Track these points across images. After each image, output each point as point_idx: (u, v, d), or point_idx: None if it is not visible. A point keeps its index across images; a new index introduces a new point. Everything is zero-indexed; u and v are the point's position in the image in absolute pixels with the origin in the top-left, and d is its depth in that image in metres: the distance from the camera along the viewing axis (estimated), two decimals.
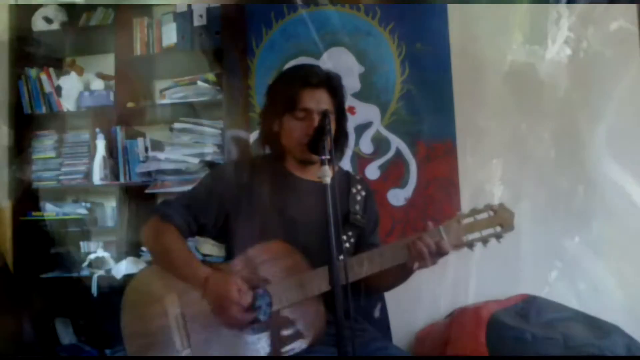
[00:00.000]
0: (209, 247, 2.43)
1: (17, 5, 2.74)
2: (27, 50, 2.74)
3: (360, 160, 2.58)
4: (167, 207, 1.44)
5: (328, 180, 1.15)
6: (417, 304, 2.39)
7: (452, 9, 2.53)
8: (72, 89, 2.71)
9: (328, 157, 1.19)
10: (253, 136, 2.66)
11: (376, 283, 1.42)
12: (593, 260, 2.30)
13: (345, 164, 2.55)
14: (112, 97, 2.67)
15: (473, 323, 2.12)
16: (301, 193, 1.45)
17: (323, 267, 1.26)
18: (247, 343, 1.29)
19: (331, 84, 1.44)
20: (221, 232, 1.46)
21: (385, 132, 2.57)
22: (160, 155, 2.56)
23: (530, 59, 2.42)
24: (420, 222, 2.50)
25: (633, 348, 1.98)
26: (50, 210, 2.69)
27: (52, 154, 2.74)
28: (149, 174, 2.61)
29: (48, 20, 2.75)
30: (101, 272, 2.50)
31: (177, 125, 2.59)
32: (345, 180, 1.54)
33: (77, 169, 2.71)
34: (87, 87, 2.75)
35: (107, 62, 2.79)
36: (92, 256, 2.59)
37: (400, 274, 1.34)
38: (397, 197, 2.54)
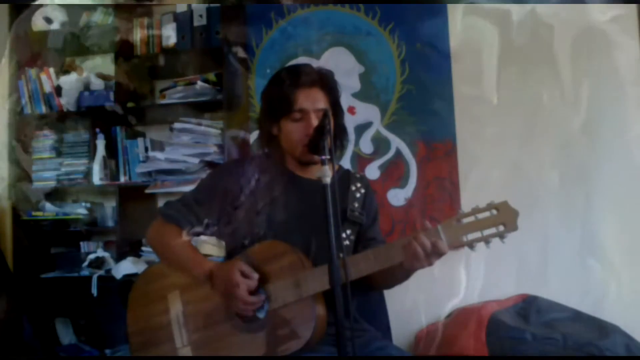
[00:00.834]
0: (209, 247, 2.43)
1: (17, 5, 2.74)
2: (27, 50, 2.74)
3: (360, 160, 2.58)
4: (170, 209, 1.46)
5: (328, 180, 1.14)
6: (417, 304, 2.39)
7: (452, 9, 2.53)
8: (72, 89, 2.71)
9: (328, 156, 1.19)
10: (253, 136, 2.66)
11: (376, 281, 1.42)
12: (593, 259, 2.30)
13: (345, 164, 2.55)
14: (112, 97, 2.67)
15: (473, 323, 2.12)
16: (301, 192, 1.45)
17: (321, 267, 1.26)
18: (244, 342, 1.29)
19: (324, 81, 1.44)
20: (223, 230, 1.47)
21: (385, 132, 2.57)
22: (160, 155, 2.56)
23: (531, 57, 2.42)
24: (420, 222, 2.49)
25: (633, 348, 1.98)
26: (50, 210, 2.69)
27: (52, 154, 2.74)
28: (149, 174, 2.61)
29: (48, 20, 2.75)
30: (101, 272, 2.51)
31: (177, 125, 2.58)
32: (344, 178, 1.54)
33: (77, 169, 2.71)
34: (87, 87, 2.75)
35: (107, 62, 2.79)
36: (92, 256, 2.59)
37: (399, 273, 1.34)
38: (397, 197, 2.54)
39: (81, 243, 2.77)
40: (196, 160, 2.50)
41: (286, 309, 1.28)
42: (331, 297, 1.11)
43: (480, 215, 1.22)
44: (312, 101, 1.40)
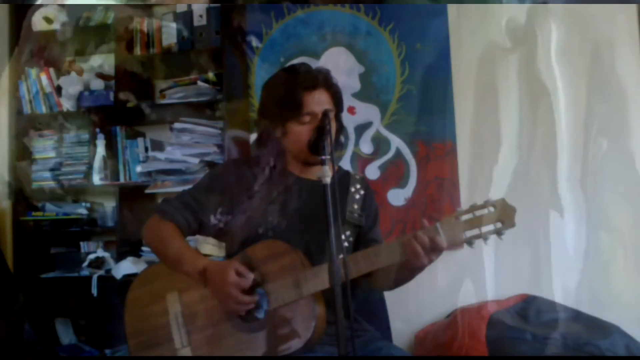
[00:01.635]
0: (209, 247, 2.43)
1: (17, 5, 2.75)
2: (27, 50, 2.74)
3: (360, 160, 2.58)
4: (167, 205, 1.46)
5: (328, 180, 1.15)
6: (417, 304, 2.39)
7: (452, 9, 2.53)
8: (72, 89, 2.71)
9: (328, 156, 1.19)
10: (253, 136, 2.65)
11: (379, 282, 1.42)
12: (593, 259, 2.30)
13: (345, 164, 2.55)
14: (112, 97, 2.67)
15: (473, 323, 2.12)
16: (301, 192, 1.45)
17: (321, 266, 1.26)
18: (244, 342, 1.29)
19: (327, 82, 1.44)
20: (221, 230, 1.46)
21: (385, 132, 2.57)
22: (160, 155, 2.56)
23: (531, 57, 2.42)
24: (420, 222, 2.49)
25: (633, 348, 1.98)
26: (50, 210, 2.69)
27: (52, 154, 2.74)
28: (149, 174, 2.61)
29: (48, 20, 2.75)
30: (101, 272, 2.50)
31: (177, 125, 2.58)
32: (344, 179, 1.54)
33: (77, 169, 2.71)
34: (87, 87, 2.75)
35: (107, 62, 2.79)
36: (92, 256, 2.59)
37: (402, 273, 1.34)
38: (397, 197, 2.54)
39: (81, 243, 2.76)
40: (196, 160, 2.51)
41: (286, 309, 1.28)
42: (331, 297, 1.11)
43: (478, 213, 1.23)
44: (320, 103, 1.40)
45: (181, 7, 2.65)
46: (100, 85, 2.75)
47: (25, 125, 2.75)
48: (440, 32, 2.53)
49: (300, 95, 1.39)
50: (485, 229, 1.22)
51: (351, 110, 2.58)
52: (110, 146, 2.68)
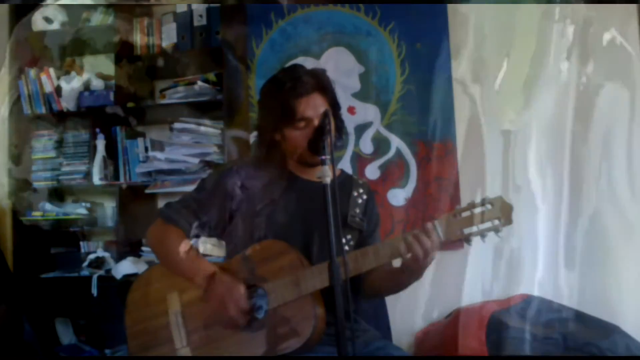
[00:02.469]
0: (209, 247, 2.43)
1: (18, 6, 2.75)
2: (27, 50, 2.74)
3: (360, 160, 2.58)
4: (171, 210, 1.46)
5: (328, 180, 1.15)
6: (417, 304, 2.39)
7: (452, 9, 2.53)
8: (72, 89, 2.71)
9: (328, 156, 1.19)
10: (253, 136, 2.66)
11: (381, 287, 1.42)
12: (593, 259, 2.31)
13: (345, 164, 2.56)
14: (112, 97, 2.67)
15: (473, 323, 2.12)
16: (302, 193, 1.45)
17: (321, 264, 1.26)
18: (244, 341, 1.29)
19: (321, 84, 1.43)
20: (224, 231, 1.47)
21: (385, 132, 2.57)
22: (160, 155, 2.56)
23: (531, 57, 2.42)
24: (420, 222, 2.50)
25: (633, 348, 1.98)
26: (50, 210, 2.68)
27: (52, 154, 2.74)
28: (149, 174, 2.61)
29: (48, 20, 2.75)
30: (101, 272, 2.50)
31: (177, 125, 2.58)
32: (346, 183, 1.53)
33: (77, 169, 2.71)
34: (87, 87, 2.75)
35: (107, 62, 2.79)
36: (92, 256, 2.59)
37: (402, 276, 1.33)
38: (397, 197, 2.54)
39: (81, 243, 2.76)
40: (196, 160, 2.50)
41: (286, 308, 1.28)
42: (330, 297, 1.11)
43: (476, 210, 1.24)
44: (314, 108, 1.39)
45: (181, 7, 2.65)
46: (100, 85, 2.75)
47: (25, 125, 2.75)
48: (440, 32, 2.53)
49: (293, 103, 1.38)
50: (483, 226, 1.23)
51: (351, 110, 2.58)
52: (110, 146, 2.68)
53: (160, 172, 2.57)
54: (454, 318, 2.27)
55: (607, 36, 2.34)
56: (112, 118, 2.68)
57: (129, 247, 2.58)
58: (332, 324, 1.14)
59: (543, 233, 2.34)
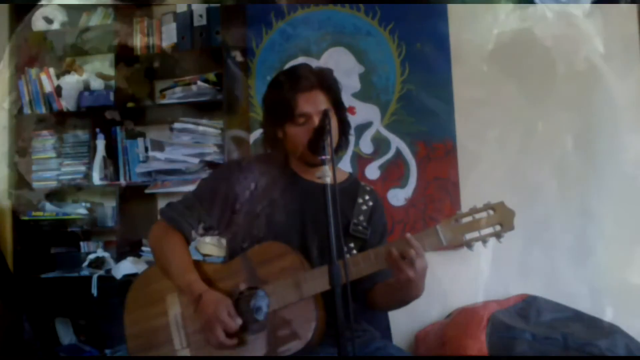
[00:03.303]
0: (209, 247, 2.43)
1: (18, 6, 2.75)
2: (27, 50, 2.74)
3: (360, 160, 2.58)
4: (173, 211, 1.45)
5: (328, 180, 1.14)
6: (417, 304, 2.38)
7: (452, 9, 2.53)
8: (72, 89, 2.71)
9: (328, 157, 1.18)
10: (253, 136, 2.66)
11: (386, 301, 1.42)
12: (593, 259, 2.30)
13: (346, 164, 2.56)
14: (112, 97, 2.67)
15: (473, 323, 2.12)
16: (303, 193, 1.44)
17: (319, 268, 1.27)
18: (244, 343, 1.29)
19: (323, 82, 1.43)
20: (225, 230, 1.46)
21: (385, 132, 2.57)
22: (160, 155, 2.56)
23: (531, 57, 2.42)
24: (420, 222, 2.50)
25: (633, 348, 1.98)
26: (50, 210, 2.69)
27: (52, 154, 2.74)
28: (149, 174, 2.61)
29: (48, 20, 2.75)
30: (101, 272, 2.50)
31: (177, 125, 2.58)
32: (353, 188, 1.51)
33: (77, 169, 2.71)
34: (87, 87, 2.75)
35: (107, 62, 2.79)
36: (92, 256, 2.59)
37: (399, 293, 1.33)
38: (397, 197, 2.54)
39: (81, 243, 2.76)
40: (196, 160, 2.50)
41: (287, 310, 1.28)
42: (331, 299, 1.11)
43: (478, 215, 1.24)
44: (314, 104, 1.39)
45: (181, 7, 2.65)
46: (100, 86, 2.75)
47: (25, 125, 2.75)
48: (440, 32, 2.53)
49: (293, 97, 1.38)
50: (485, 231, 1.24)
51: (351, 110, 2.57)
52: (110, 146, 2.68)
53: (160, 172, 2.57)
54: (454, 318, 2.27)
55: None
56: (112, 118, 2.68)
57: (129, 247, 2.58)
58: (331, 324, 1.14)
59: (543, 232, 2.35)
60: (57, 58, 2.86)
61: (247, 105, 2.70)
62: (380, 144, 2.57)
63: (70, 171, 2.71)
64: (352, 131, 1.57)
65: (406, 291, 1.30)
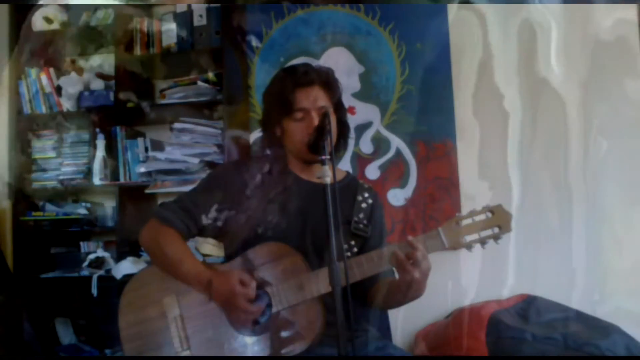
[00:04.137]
0: (209, 247, 2.43)
1: (18, 6, 2.75)
2: (27, 50, 2.74)
3: (360, 160, 2.58)
4: (166, 210, 1.44)
5: (328, 180, 1.14)
6: (417, 304, 2.38)
7: (452, 9, 2.53)
8: (72, 89, 2.71)
9: (328, 157, 1.18)
10: (253, 136, 2.66)
11: (382, 301, 1.42)
12: (593, 260, 2.31)
13: (346, 164, 2.56)
14: (112, 97, 2.67)
15: (473, 323, 2.12)
16: (302, 194, 1.44)
17: (322, 269, 1.26)
18: (247, 344, 1.29)
19: (324, 79, 1.43)
20: (221, 230, 1.45)
21: (385, 132, 2.57)
22: (160, 155, 2.56)
23: (531, 57, 2.42)
24: (420, 222, 2.50)
25: (633, 348, 1.98)
26: (50, 210, 2.69)
27: (52, 154, 2.74)
28: (149, 174, 2.61)
29: (48, 20, 2.75)
30: (101, 272, 2.50)
31: (177, 125, 2.58)
32: (352, 186, 1.51)
33: (77, 169, 2.71)
34: (87, 87, 2.75)
35: (107, 62, 2.79)
36: (92, 256, 2.59)
37: (400, 292, 1.32)
38: (397, 197, 2.54)
39: (81, 243, 2.76)
40: (196, 160, 2.50)
41: (290, 311, 1.28)
42: (331, 298, 1.11)
43: (477, 218, 1.28)
44: (312, 100, 1.39)
45: (181, 7, 2.65)
46: (100, 85, 2.75)
47: (25, 125, 2.75)
48: (440, 32, 2.53)
49: (292, 91, 1.39)
50: (484, 233, 1.28)
51: (351, 110, 2.57)
52: (110, 146, 2.68)
53: (160, 172, 2.57)
54: (454, 318, 2.27)
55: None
56: (112, 118, 2.68)
57: (129, 247, 2.58)
58: (331, 324, 1.14)
59: (544, 232, 2.35)
60: (57, 58, 2.86)
61: (247, 105, 2.70)
62: (380, 144, 2.57)
63: (70, 171, 2.71)
64: (351, 133, 1.57)
65: (409, 291, 1.30)
